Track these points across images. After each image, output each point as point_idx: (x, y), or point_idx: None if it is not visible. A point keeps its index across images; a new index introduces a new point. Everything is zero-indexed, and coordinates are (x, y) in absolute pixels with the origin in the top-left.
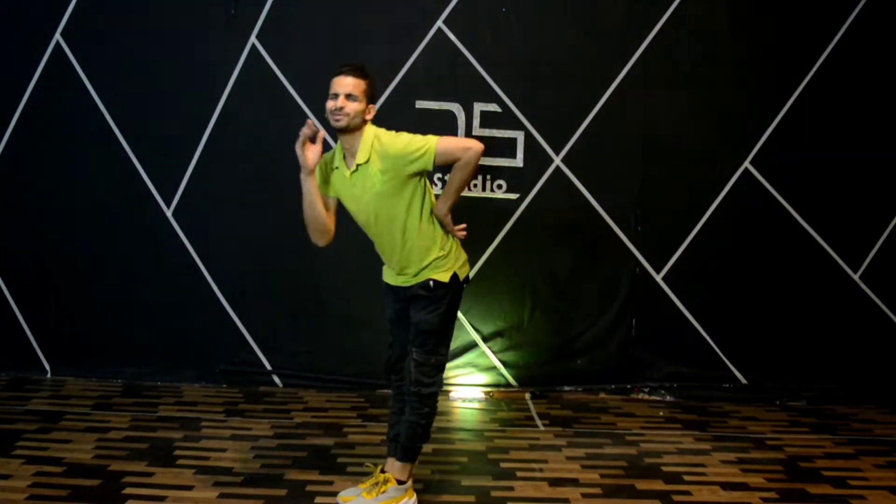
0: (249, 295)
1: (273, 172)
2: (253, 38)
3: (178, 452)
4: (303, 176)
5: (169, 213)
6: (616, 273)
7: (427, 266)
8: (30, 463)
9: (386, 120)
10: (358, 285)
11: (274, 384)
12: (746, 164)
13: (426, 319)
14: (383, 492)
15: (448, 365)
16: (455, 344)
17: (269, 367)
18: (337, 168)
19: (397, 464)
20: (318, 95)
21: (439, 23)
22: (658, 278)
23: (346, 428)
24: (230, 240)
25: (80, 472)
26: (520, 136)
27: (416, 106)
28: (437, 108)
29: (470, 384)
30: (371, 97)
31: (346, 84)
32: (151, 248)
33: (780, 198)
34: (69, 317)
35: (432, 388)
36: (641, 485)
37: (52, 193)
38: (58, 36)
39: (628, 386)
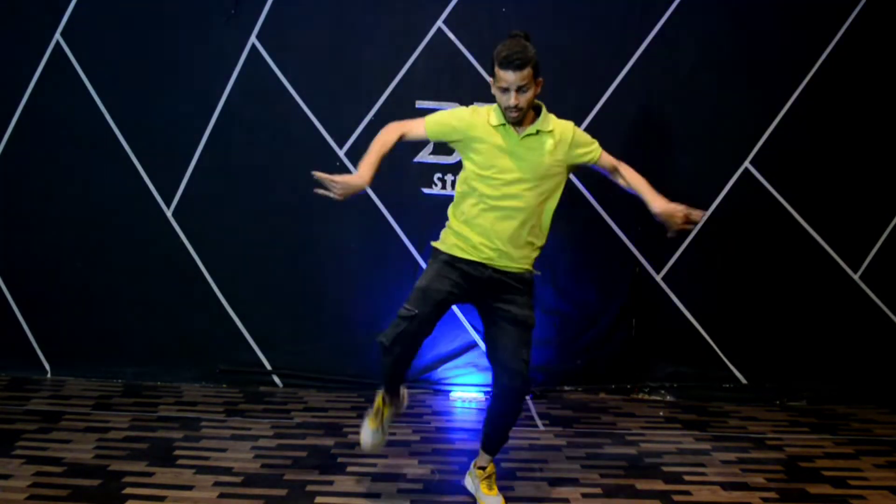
0: (249, 295)
1: (273, 172)
2: (253, 38)
3: (178, 452)
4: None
5: (169, 213)
6: (616, 273)
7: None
8: (30, 463)
9: (386, 120)
10: (358, 285)
11: (274, 384)
12: (746, 164)
13: None
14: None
15: (448, 365)
16: (455, 344)
17: (269, 367)
18: (501, 125)
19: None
20: (319, 95)
21: (439, 23)
22: (658, 278)
23: (346, 428)
24: (230, 240)
25: (80, 472)
26: None
27: (416, 106)
28: (437, 108)
29: (470, 384)
30: (538, 71)
31: (514, 79)
32: (151, 248)
33: (780, 198)
34: (69, 317)
35: (381, 339)
36: (641, 485)
37: (52, 193)
38: (58, 36)
39: (628, 386)
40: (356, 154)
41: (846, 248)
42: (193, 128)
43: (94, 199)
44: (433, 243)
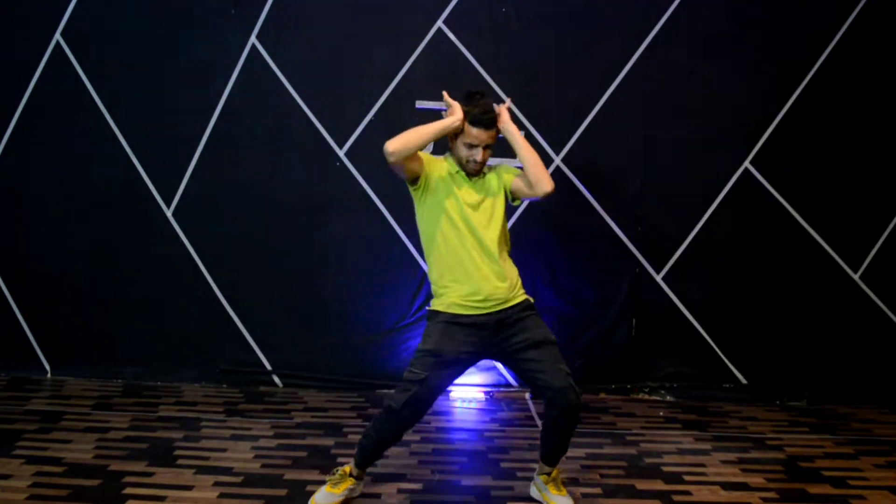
0: (249, 295)
1: (273, 172)
2: (253, 38)
3: (178, 452)
4: (447, 122)
5: (169, 213)
6: (616, 273)
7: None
8: (30, 463)
9: (386, 120)
10: (358, 285)
11: (274, 384)
12: (746, 164)
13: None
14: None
15: None
16: None
17: (269, 367)
18: (457, 173)
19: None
20: (319, 95)
21: (439, 23)
22: (658, 278)
23: (346, 428)
24: (230, 240)
25: (80, 472)
26: None
27: (417, 106)
28: (437, 108)
29: (470, 384)
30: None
31: (486, 137)
32: (151, 248)
33: (780, 198)
34: (69, 317)
35: (389, 402)
36: (641, 485)
37: (52, 193)
38: (58, 36)
39: (628, 386)
40: (356, 154)
41: (846, 248)
42: (193, 128)
43: (94, 198)
44: (428, 308)
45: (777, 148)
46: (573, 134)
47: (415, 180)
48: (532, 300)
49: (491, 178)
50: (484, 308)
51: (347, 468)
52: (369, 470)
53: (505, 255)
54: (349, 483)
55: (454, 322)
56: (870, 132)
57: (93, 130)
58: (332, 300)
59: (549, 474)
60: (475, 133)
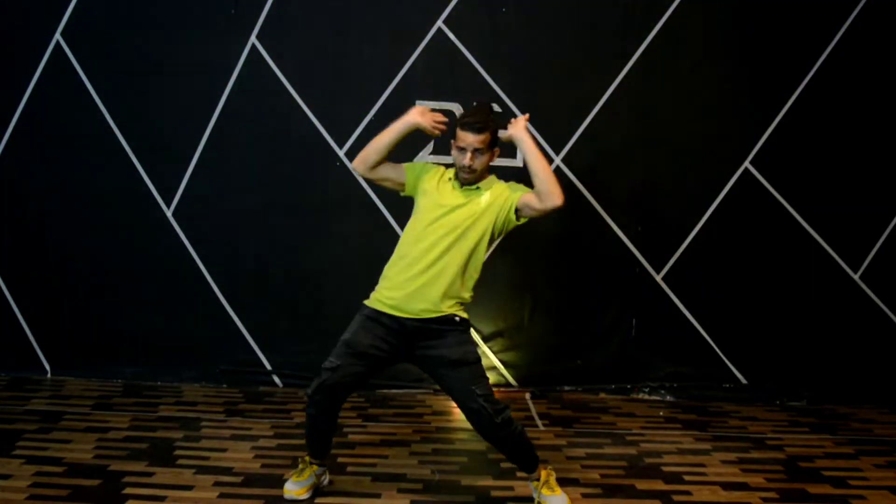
0: (249, 295)
1: (273, 172)
2: (253, 38)
3: (178, 452)
4: (407, 122)
5: (169, 213)
6: (616, 273)
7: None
8: (30, 463)
9: (386, 120)
10: (358, 285)
11: (274, 384)
12: (746, 164)
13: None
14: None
15: None
16: None
17: (269, 367)
18: (449, 179)
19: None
20: (318, 95)
21: (439, 23)
22: (658, 278)
23: (347, 428)
24: (230, 240)
25: (80, 472)
26: None
27: (417, 106)
28: (437, 108)
29: None
30: (493, 142)
31: (472, 141)
32: (151, 248)
33: (780, 198)
34: (69, 317)
35: (306, 389)
36: (641, 485)
37: (52, 193)
38: (58, 36)
39: (628, 386)
40: (356, 154)
41: (846, 248)
42: (193, 128)
43: (94, 198)
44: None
45: (777, 148)
46: (573, 134)
47: (405, 189)
48: (464, 318)
49: (486, 193)
50: (402, 312)
51: (307, 457)
52: (369, 470)
53: (456, 271)
54: (312, 469)
55: (375, 319)
56: (869, 132)
57: (93, 131)
58: (332, 300)
59: (538, 479)
60: (461, 136)
